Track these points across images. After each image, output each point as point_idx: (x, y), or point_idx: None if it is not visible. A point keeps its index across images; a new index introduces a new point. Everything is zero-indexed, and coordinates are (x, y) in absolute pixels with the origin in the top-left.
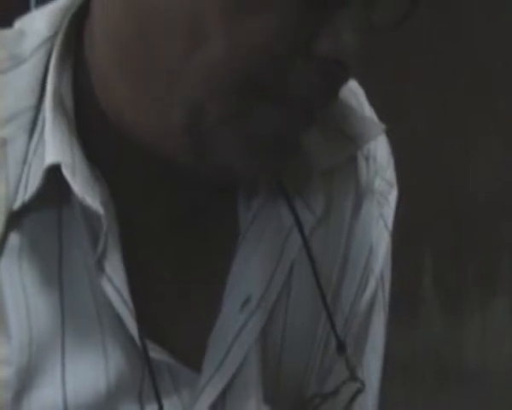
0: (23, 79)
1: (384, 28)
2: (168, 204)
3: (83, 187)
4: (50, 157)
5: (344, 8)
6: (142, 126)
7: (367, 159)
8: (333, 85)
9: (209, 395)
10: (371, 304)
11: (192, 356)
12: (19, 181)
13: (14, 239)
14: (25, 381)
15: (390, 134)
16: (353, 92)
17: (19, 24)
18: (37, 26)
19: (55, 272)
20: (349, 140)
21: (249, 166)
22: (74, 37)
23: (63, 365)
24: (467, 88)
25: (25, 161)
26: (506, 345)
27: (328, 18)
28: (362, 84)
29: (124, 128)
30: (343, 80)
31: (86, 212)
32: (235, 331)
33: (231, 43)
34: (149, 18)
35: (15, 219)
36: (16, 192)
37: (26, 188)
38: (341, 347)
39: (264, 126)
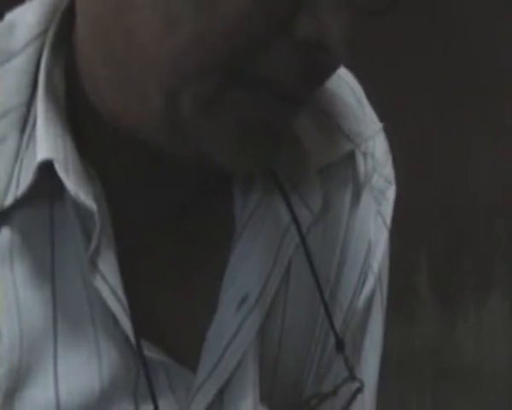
0: (14, 74)
1: (373, 13)
2: (162, 201)
3: (76, 183)
4: (42, 153)
5: None
6: (124, 113)
7: (365, 155)
8: (318, 71)
9: (205, 394)
10: (370, 301)
11: (188, 355)
12: (10, 177)
13: (5, 235)
14: (16, 381)
15: (387, 133)
16: (351, 89)
17: (9, 16)
18: (28, 18)
19: (48, 270)
20: (346, 138)
21: (230, 155)
22: (66, 30)
23: (56, 364)
24: (467, 87)
25: (16, 157)
26: (502, 343)
27: None
28: (362, 81)
29: (110, 117)
30: (330, 67)
31: (79, 208)
32: (232, 331)
33: (204, 26)
34: (123, 3)
35: (7, 215)
36: (8, 188)
37: (17, 184)
38: (340, 344)
39: (242, 113)
